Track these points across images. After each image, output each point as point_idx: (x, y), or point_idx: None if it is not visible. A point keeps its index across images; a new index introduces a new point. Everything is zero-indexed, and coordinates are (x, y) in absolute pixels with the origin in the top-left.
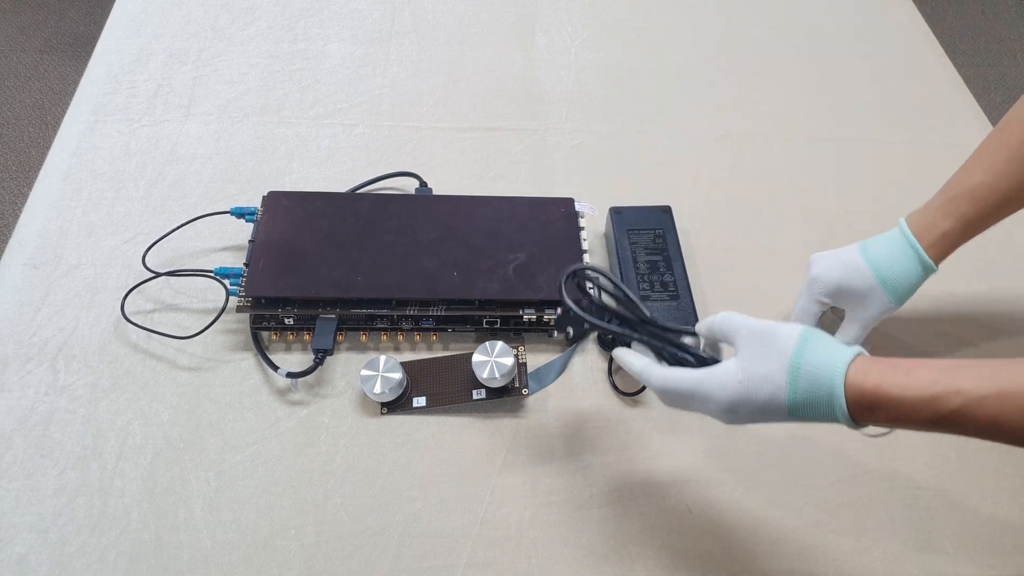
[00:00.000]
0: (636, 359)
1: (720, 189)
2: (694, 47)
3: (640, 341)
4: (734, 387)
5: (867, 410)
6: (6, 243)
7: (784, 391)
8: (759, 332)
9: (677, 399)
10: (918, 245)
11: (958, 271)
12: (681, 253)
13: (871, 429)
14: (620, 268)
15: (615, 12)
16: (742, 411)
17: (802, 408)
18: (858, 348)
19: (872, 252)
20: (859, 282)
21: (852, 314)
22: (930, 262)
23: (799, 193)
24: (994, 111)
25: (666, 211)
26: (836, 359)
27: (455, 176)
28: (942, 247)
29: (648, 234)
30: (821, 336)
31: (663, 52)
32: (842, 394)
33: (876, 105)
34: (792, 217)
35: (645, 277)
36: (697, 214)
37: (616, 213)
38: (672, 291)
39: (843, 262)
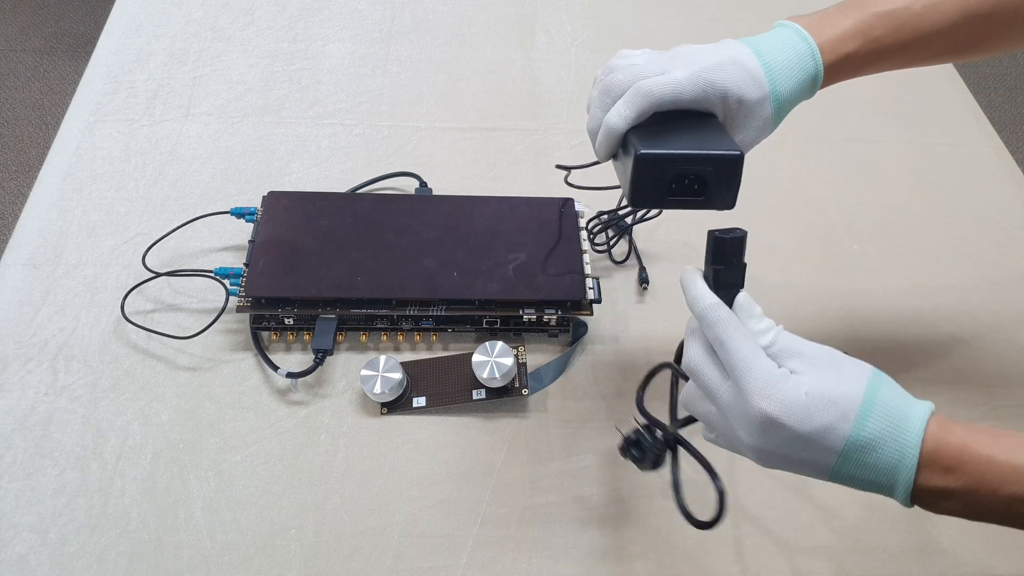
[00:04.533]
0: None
1: None
2: None
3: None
4: (780, 403)
5: (942, 470)
6: (6, 243)
7: (851, 421)
8: (824, 352)
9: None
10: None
11: (960, 270)
12: None
13: None
14: None
15: (615, 12)
16: (780, 436)
17: (861, 448)
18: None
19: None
20: (753, 91)
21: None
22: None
23: (798, 193)
24: (994, 111)
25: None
26: (917, 402)
27: (455, 176)
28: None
29: None
30: (893, 381)
31: None
32: (919, 438)
33: (876, 105)
34: (791, 217)
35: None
36: (697, 214)
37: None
38: None
39: (734, 59)
